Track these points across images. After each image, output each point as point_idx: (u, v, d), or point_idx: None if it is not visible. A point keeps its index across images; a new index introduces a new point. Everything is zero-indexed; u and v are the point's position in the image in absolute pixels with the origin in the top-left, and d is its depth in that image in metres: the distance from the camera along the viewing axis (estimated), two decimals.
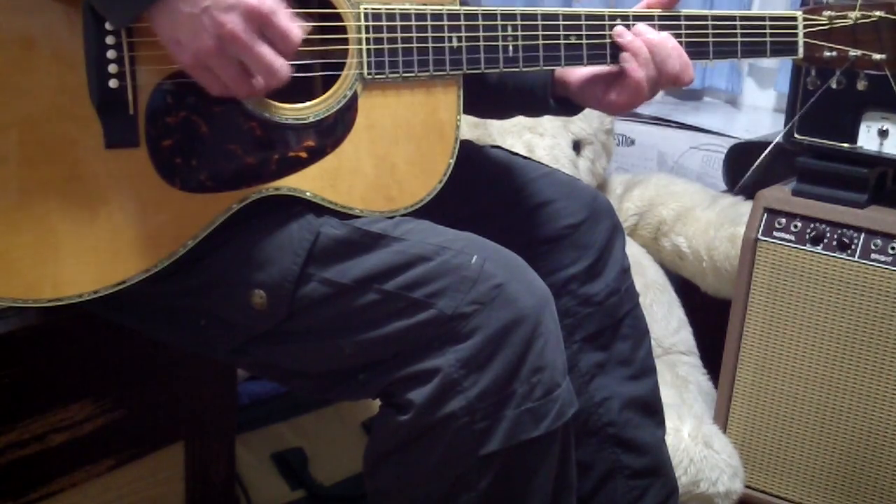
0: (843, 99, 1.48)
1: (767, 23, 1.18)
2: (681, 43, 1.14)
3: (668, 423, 1.37)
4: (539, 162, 1.32)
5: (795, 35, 1.20)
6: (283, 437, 1.62)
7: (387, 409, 1.01)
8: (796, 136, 1.58)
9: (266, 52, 0.91)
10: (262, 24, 0.90)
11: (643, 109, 2.36)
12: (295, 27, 0.93)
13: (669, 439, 1.40)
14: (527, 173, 1.26)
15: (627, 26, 1.12)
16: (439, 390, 0.96)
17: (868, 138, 1.54)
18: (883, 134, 1.53)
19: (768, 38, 1.18)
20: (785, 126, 1.58)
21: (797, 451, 1.62)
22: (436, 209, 1.20)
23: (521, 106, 1.29)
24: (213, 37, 0.89)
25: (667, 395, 1.40)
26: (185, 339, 1.09)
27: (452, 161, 1.08)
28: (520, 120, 1.94)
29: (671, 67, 1.12)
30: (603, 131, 2.03)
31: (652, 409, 1.28)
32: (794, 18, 1.19)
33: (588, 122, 2.00)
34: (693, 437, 1.55)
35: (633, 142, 2.31)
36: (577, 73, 1.19)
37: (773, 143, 1.56)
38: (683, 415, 1.60)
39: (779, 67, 2.38)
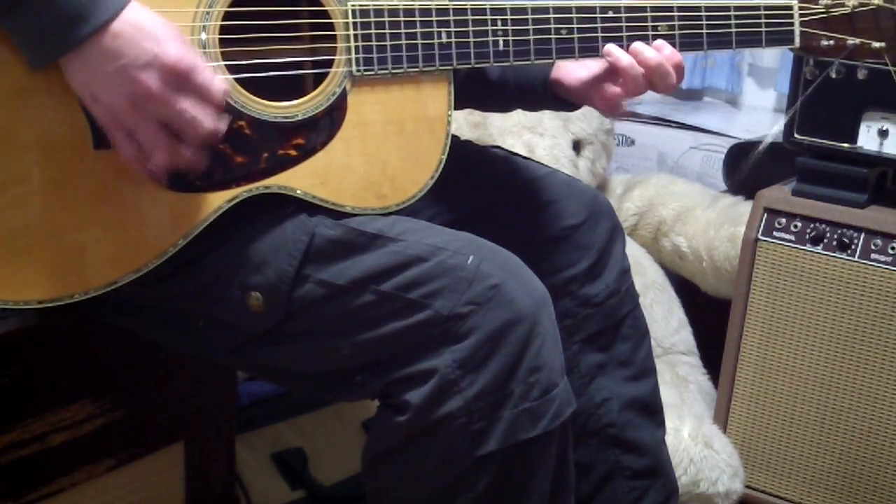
0: (843, 94, 1.48)
1: (762, 12, 1.17)
2: (673, 35, 1.13)
3: (668, 423, 1.37)
4: (539, 162, 1.32)
5: (791, 24, 1.19)
6: (283, 437, 1.62)
7: (385, 409, 1.01)
8: (796, 135, 1.58)
9: (187, 105, 0.88)
10: (180, 82, 0.88)
11: (643, 109, 2.36)
12: (217, 81, 0.90)
13: (669, 439, 1.40)
14: (527, 173, 1.26)
15: (625, 46, 1.12)
16: (436, 391, 0.96)
17: (868, 138, 1.53)
18: (883, 134, 1.52)
19: (763, 28, 1.18)
20: (786, 116, 1.58)
21: (797, 451, 1.62)
22: (434, 209, 1.21)
23: (522, 100, 1.29)
24: (127, 94, 0.87)
25: (667, 395, 1.40)
26: (184, 341, 1.09)
27: (444, 156, 1.08)
28: (520, 120, 1.94)
29: (670, 83, 1.12)
30: (603, 131, 2.03)
31: (652, 410, 1.28)
32: (790, 7, 1.19)
33: (588, 122, 2.00)
34: (693, 437, 1.55)
35: (633, 142, 2.31)
36: (574, 76, 1.19)
37: (774, 131, 1.55)
38: (683, 415, 1.60)
39: (779, 67, 2.38)
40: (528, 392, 0.97)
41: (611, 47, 1.11)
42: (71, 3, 0.84)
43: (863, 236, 1.53)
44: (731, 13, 1.16)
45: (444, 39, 1.05)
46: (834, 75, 1.23)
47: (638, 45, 1.12)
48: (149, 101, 0.88)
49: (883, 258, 1.51)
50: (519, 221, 1.22)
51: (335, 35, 1.02)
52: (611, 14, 1.11)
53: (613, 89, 1.14)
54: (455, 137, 1.12)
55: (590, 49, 1.12)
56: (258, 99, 0.99)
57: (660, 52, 1.11)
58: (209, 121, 0.90)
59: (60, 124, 0.91)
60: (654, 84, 1.12)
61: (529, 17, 1.08)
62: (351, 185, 1.04)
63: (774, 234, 1.60)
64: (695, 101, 2.55)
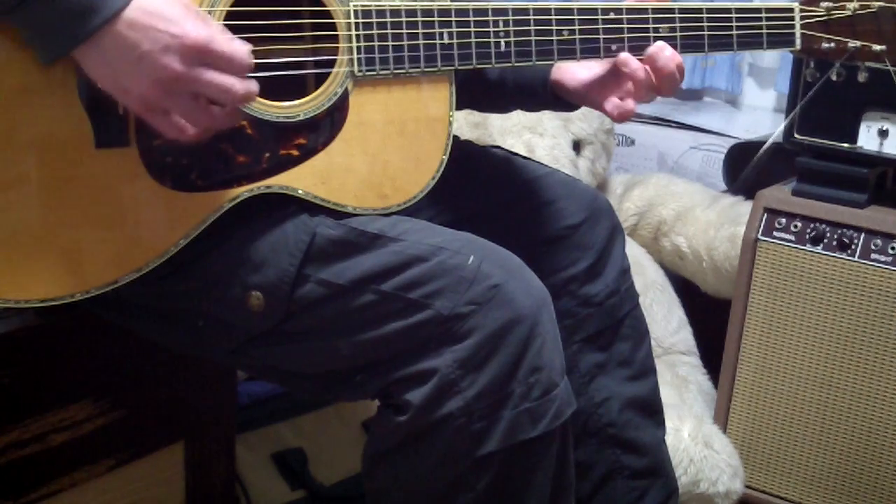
0: (843, 95, 1.48)
1: (763, 15, 1.17)
2: (675, 37, 1.13)
3: (668, 423, 1.37)
4: (539, 162, 1.32)
5: (792, 27, 1.19)
6: (283, 437, 1.62)
7: (385, 409, 1.01)
8: (796, 136, 1.58)
9: (214, 76, 0.89)
10: (202, 56, 0.88)
11: (643, 109, 2.36)
12: (238, 45, 0.90)
13: (669, 439, 1.40)
14: (527, 173, 1.26)
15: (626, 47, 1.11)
16: (437, 391, 0.96)
17: (868, 138, 1.53)
18: (883, 134, 1.52)
19: (764, 31, 1.18)
20: (786, 118, 1.58)
21: (797, 451, 1.62)
22: (435, 209, 1.21)
23: (521, 101, 1.29)
24: (155, 80, 0.87)
25: (667, 395, 1.40)
26: (184, 341, 1.09)
27: (445, 157, 1.08)
28: (520, 120, 1.94)
29: (675, 88, 1.12)
30: (603, 131, 2.03)
31: (652, 410, 1.29)
32: (791, 10, 1.19)
33: (588, 122, 2.00)
34: (693, 437, 1.55)
35: (633, 142, 2.31)
36: (576, 77, 1.19)
37: (775, 133, 1.56)
38: (683, 415, 1.60)
39: (779, 67, 2.38)
40: (528, 392, 0.97)
41: (627, 58, 1.11)
42: None
43: (863, 236, 1.53)
44: (733, 15, 1.16)
45: (446, 40, 1.05)
46: (835, 77, 1.23)
47: (654, 48, 1.11)
48: (177, 81, 0.88)
49: (883, 258, 1.51)
50: (519, 221, 1.22)
51: (337, 35, 1.02)
52: (612, 15, 1.11)
53: (627, 99, 1.13)
54: (455, 137, 1.12)
55: (591, 50, 1.12)
56: (260, 99, 0.99)
57: (661, 54, 1.11)
58: (239, 85, 0.91)
59: (62, 123, 0.91)
60: (662, 89, 1.12)
61: (531, 17, 1.08)
62: (352, 186, 1.04)
63: (774, 234, 1.60)
64: (695, 101, 2.56)
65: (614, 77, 1.15)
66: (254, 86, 0.92)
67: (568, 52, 1.11)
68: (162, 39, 0.87)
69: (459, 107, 1.24)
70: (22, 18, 0.85)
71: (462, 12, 1.05)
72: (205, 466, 1.36)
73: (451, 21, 1.05)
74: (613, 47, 1.12)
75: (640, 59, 1.11)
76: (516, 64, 1.09)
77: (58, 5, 0.84)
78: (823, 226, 1.56)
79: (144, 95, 0.89)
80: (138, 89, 0.88)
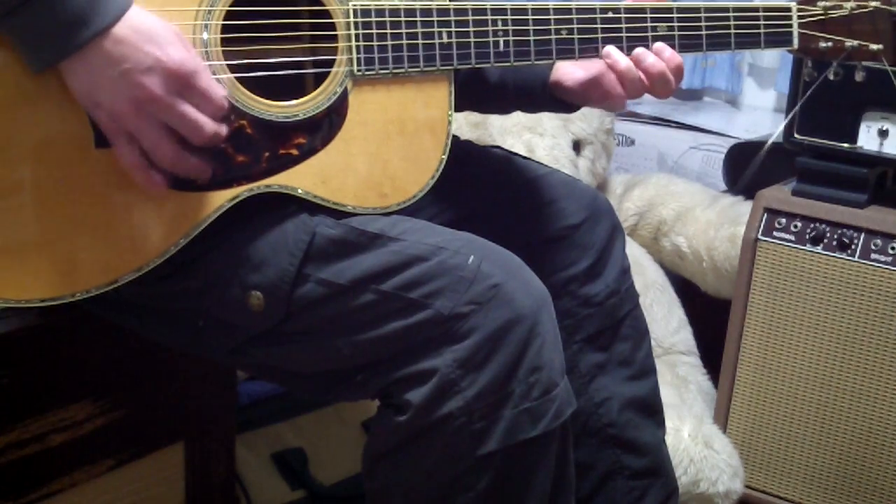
0: (842, 96, 1.48)
1: (761, 14, 1.18)
2: (672, 36, 1.14)
3: (668, 423, 1.37)
4: (539, 162, 1.32)
5: (790, 26, 1.19)
6: (283, 437, 1.63)
7: (385, 409, 1.01)
8: (796, 135, 1.58)
9: (189, 110, 0.89)
10: (183, 86, 0.88)
11: (643, 109, 2.36)
12: (218, 87, 0.91)
13: (669, 439, 1.40)
14: (527, 173, 1.26)
15: (625, 47, 1.11)
16: (437, 391, 0.96)
17: (868, 138, 1.54)
18: (883, 134, 1.53)
19: (762, 30, 1.18)
20: (786, 118, 1.59)
21: (797, 451, 1.62)
22: (435, 208, 1.21)
23: (521, 103, 1.29)
24: (131, 99, 0.87)
25: (667, 395, 1.40)
26: (184, 341, 1.09)
27: (445, 156, 1.08)
28: (520, 120, 1.94)
29: (670, 89, 1.13)
30: (603, 131, 2.03)
31: (652, 410, 1.28)
32: (789, 9, 1.19)
33: (588, 122, 2.00)
34: (693, 437, 1.55)
35: (633, 142, 2.31)
36: (573, 76, 1.19)
37: (775, 133, 1.56)
38: (683, 415, 1.60)
39: (779, 67, 2.38)
40: (528, 392, 0.97)
41: (610, 49, 1.11)
42: (71, 8, 0.84)
43: (863, 236, 1.53)
44: (731, 14, 1.16)
45: (445, 39, 1.05)
46: (832, 77, 1.24)
47: (640, 52, 1.11)
48: (152, 104, 0.88)
49: (883, 258, 1.51)
50: (519, 221, 1.22)
51: (336, 35, 1.02)
52: (610, 14, 1.11)
53: (618, 90, 1.13)
54: (455, 137, 1.12)
55: (590, 49, 1.12)
56: (259, 98, 0.99)
57: (660, 57, 1.11)
58: (211, 125, 0.91)
59: (61, 124, 0.91)
60: (655, 90, 1.13)
61: (530, 17, 1.08)
62: (352, 185, 1.04)
63: (774, 234, 1.60)
64: (695, 101, 2.56)
65: (611, 76, 1.15)
66: (223, 130, 0.93)
67: (566, 52, 1.11)
68: (147, 60, 0.87)
69: (461, 108, 1.25)
70: (11, 27, 0.85)
71: (461, 12, 1.05)
72: (205, 466, 1.36)
73: (450, 21, 1.05)
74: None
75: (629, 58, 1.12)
76: (515, 63, 1.09)
77: (49, 16, 0.84)
78: (823, 226, 1.56)
79: (116, 112, 0.88)
80: (111, 105, 0.88)
